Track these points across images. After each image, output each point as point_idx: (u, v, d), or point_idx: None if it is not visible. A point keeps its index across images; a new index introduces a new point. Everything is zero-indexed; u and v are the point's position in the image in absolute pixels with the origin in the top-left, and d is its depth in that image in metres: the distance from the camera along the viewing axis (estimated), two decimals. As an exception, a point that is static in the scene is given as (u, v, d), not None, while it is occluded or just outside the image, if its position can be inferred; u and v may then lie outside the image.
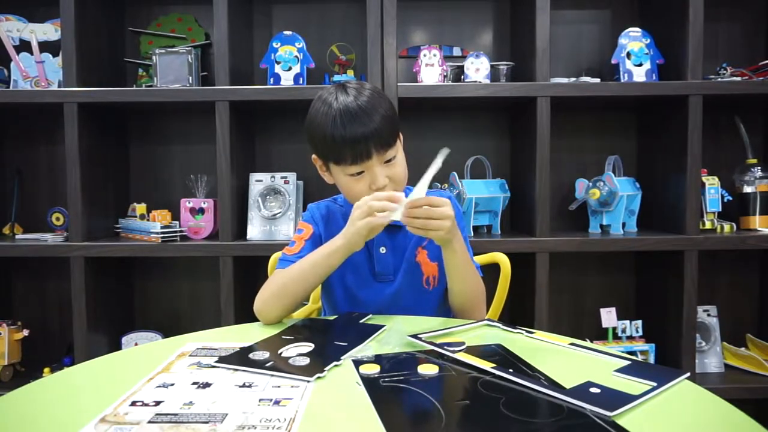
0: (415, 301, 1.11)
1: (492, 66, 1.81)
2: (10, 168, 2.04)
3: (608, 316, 1.85)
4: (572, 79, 1.83)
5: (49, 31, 1.85)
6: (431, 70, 1.80)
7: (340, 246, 0.97)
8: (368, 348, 0.82)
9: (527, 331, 0.91)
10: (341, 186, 1.07)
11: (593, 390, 0.64)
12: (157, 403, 0.63)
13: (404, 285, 1.11)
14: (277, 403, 0.63)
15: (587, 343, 0.85)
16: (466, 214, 1.80)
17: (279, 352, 0.80)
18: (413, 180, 1.15)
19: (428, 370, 0.72)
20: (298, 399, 0.64)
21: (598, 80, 1.81)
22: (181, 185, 2.02)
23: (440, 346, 0.80)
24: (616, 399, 0.61)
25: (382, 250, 1.11)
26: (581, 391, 0.63)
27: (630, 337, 1.86)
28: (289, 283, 1.01)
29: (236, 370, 0.74)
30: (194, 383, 0.69)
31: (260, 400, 0.63)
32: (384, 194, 0.94)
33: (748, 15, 2.01)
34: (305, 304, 1.39)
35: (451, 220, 0.93)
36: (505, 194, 1.86)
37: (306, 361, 0.75)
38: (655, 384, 0.66)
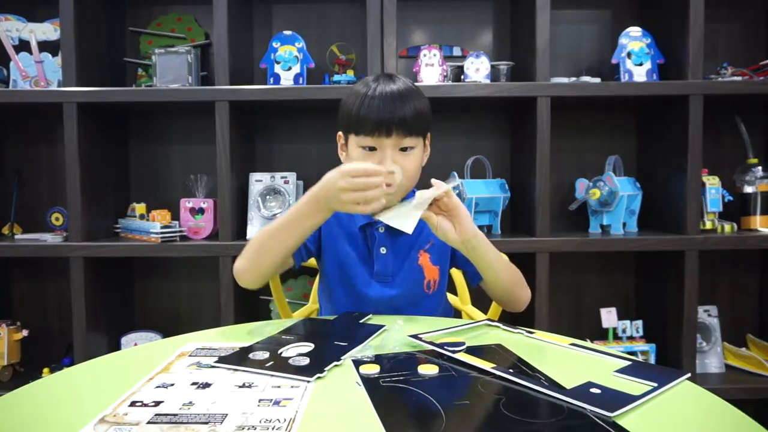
0: (415, 304, 1.11)
1: (492, 66, 1.81)
2: (10, 168, 2.04)
3: (608, 316, 1.85)
4: (572, 79, 1.83)
5: (48, 30, 1.85)
6: (431, 70, 1.80)
7: (321, 206, 0.93)
8: (368, 348, 0.82)
9: (527, 331, 0.91)
10: (351, 160, 1.07)
11: (594, 390, 0.63)
12: (157, 403, 0.63)
13: (404, 287, 1.11)
14: (277, 403, 0.62)
15: (587, 343, 0.85)
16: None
17: (279, 352, 0.80)
18: (420, 184, 1.15)
19: (428, 370, 0.71)
20: (298, 399, 0.64)
21: (598, 80, 1.81)
22: (181, 185, 2.02)
23: (440, 346, 0.80)
24: (617, 400, 0.61)
25: (383, 250, 1.11)
26: (582, 391, 0.63)
27: (630, 338, 1.85)
28: (267, 240, 1.00)
29: (236, 370, 0.73)
30: (194, 383, 0.69)
31: (260, 400, 0.63)
32: (361, 168, 0.88)
33: (748, 15, 2.01)
34: (304, 305, 1.38)
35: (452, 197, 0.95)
36: (505, 194, 1.86)
37: (306, 361, 0.75)
38: (655, 384, 0.66)
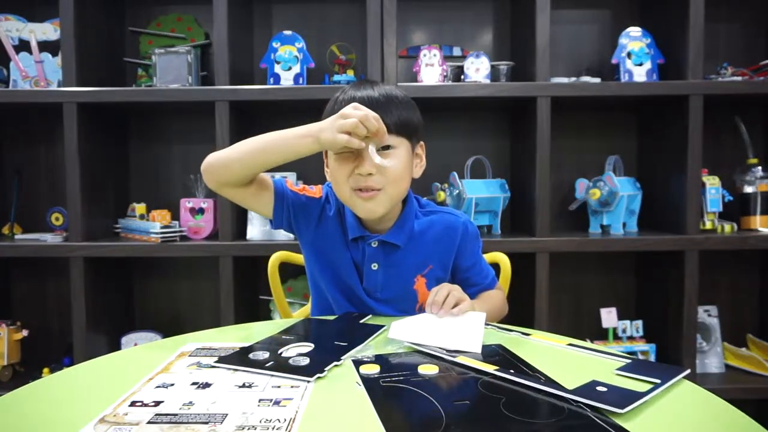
0: None
1: (492, 66, 1.81)
2: (10, 168, 2.04)
3: (608, 317, 1.85)
4: (572, 79, 1.83)
5: (48, 30, 1.85)
6: (431, 70, 1.80)
7: (313, 132, 0.96)
8: (368, 348, 0.82)
9: (523, 334, 0.90)
10: (330, 170, 1.05)
11: (600, 389, 0.63)
12: (157, 403, 0.63)
13: (394, 306, 1.08)
14: (277, 403, 0.62)
15: (586, 343, 0.85)
16: (467, 213, 1.79)
17: (279, 352, 0.80)
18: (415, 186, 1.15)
19: (428, 370, 0.71)
20: (298, 399, 0.63)
21: (598, 80, 1.81)
22: (181, 185, 2.02)
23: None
24: (625, 396, 0.61)
25: (374, 266, 1.07)
26: (588, 390, 0.63)
27: (630, 338, 1.85)
28: (245, 145, 0.99)
29: (236, 370, 0.73)
30: (194, 383, 0.69)
31: (260, 400, 0.63)
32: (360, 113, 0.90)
33: (748, 15, 2.01)
34: (304, 304, 1.38)
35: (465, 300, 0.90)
36: (505, 194, 1.86)
37: (306, 361, 0.75)
38: (659, 381, 0.66)
